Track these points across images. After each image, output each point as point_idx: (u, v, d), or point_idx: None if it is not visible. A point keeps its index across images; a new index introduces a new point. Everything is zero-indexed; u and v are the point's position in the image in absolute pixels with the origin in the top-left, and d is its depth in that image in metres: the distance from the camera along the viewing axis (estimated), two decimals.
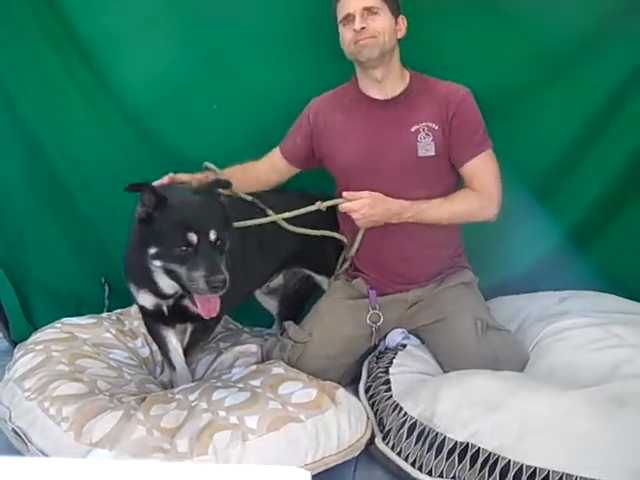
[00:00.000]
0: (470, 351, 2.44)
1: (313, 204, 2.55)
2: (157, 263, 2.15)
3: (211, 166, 2.58)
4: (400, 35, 2.53)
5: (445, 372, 2.48)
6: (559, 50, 2.70)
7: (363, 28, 2.43)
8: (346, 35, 2.49)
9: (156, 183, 2.33)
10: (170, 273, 2.15)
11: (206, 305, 2.14)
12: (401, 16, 2.52)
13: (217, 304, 2.15)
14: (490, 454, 1.98)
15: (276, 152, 2.72)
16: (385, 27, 2.45)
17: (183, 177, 2.45)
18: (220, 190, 2.33)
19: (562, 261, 2.92)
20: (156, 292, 2.28)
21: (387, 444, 2.19)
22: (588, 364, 2.32)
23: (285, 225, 2.55)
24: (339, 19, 2.51)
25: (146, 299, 2.35)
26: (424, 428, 2.12)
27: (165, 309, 2.36)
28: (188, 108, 2.87)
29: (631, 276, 2.86)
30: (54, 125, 2.96)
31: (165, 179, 2.40)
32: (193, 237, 2.08)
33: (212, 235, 2.11)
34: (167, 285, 2.24)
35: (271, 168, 2.72)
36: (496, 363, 2.39)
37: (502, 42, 2.69)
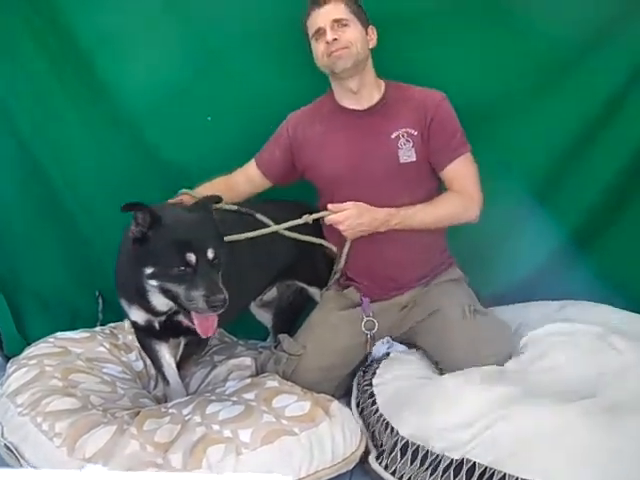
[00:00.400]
0: (457, 331, 2.47)
1: (302, 215, 2.55)
2: (153, 283, 2.13)
3: (186, 191, 2.56)
4: (371, 45, 2.56)
5: (436, 362, 2.50)
6: (558, 53, 2.71)
7: (335, 39, 2.46)
8: (318, 49, 2.52)
9: None
10: (166, 292, 2.13)
11: (204, 324, 2.12)
12: (371, 27, 2.56)
13: (215, 322, 2.13)
14: (486, 468, 1.97)
15: (252, 165, 2.72)
16: (357, 37, 2.49)
17: None
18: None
19: (561, 268, 2.92)
20: (148, 308, 2.27)
21: (381, 464, 2.17)
22: (584, 374, 2.32)
23: (282, 231, 2.54)
24: (310, 34, 2.54)
25: (137, 315, 2.33)
26: (418, 447, 2.10)
27: (157, 325, 2.34)
28: (181, 116, 2.87)
29: (632, 282, 2.86)
30: (47, 135, 2.95)
31: None
32: (192, 257, 2.06)
33: (210, 253, 2.09)
34: (161, 303, 2.22)
35: (246, 180, 2.72)
36: (483, 343, 2.43)
37: (501, 45, 2.70)
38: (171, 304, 2.18)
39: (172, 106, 2.87)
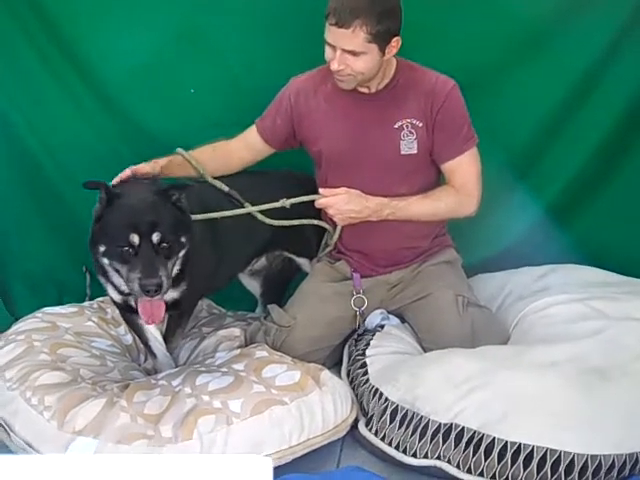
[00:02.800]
0: (450, 326, 2.45)
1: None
2: (105, 261, 2.14)
3: (181, 151, 2.51)
4: (388, 57, 2.36)
5: (425, 349, 2.50)
6: (538, 23, 2.71)
7: (340, 70, 2.33)
8: (326, 53, 2.35)
9: (116, 179, 2.29)
10: (117, 272, 2.14)
11: (147, 310, 2.14)
12: (396, 38, 2.31)
13: (160, 311, 2.15)
14: (475, 432, 2.00)
15: (252, 131, 2.63)
16: (366, 67, 2.32)
17: (145, 168, 2.37)
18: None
19: (543, 236, 2.94)
20: (115, 287, 2.28)
21: (370, 430, 2.19)
22: (570, 339, 2.34)
23: (261, 217, 2.50)
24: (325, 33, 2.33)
25: (112, 293, 2.34)
26: (406, 412, 2.13)
27: (133, 302, 2.32)
28: (165, 89, 2.85)
29: (611, 249, 2.90)
30: (27, 107, 2.92)
31: (126, 172, 2.31)
32: (135, 238, 2.06)
33: (155, 237, 2.08)
34: (120, 283, 2.22)
35: (246, 147, 2.64)
36: (475, 339, 2.42)
37: (480, 15, 2.68)
38: None
39: (155, 78, 2.85)
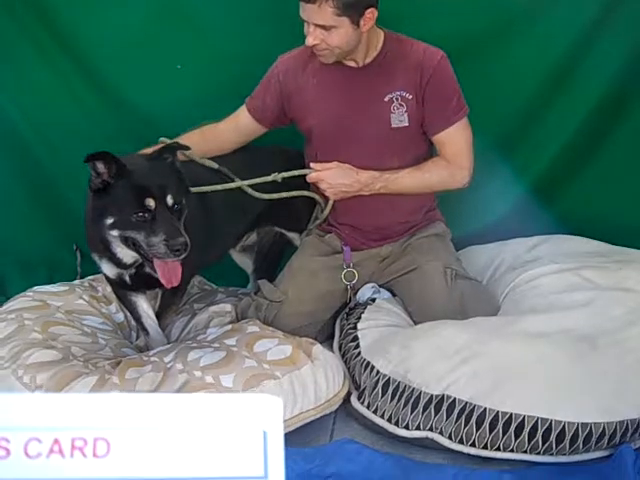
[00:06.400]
0: (439, 298, 2.46)
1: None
2: (114, 233, 2.12)
3: (165, 139, 2.47)
4: (365, 29, 2.32)
5: (415, 322, 2.50)
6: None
7: (316, 44, 2.32)
8: (304, 29, 2.34)
9: None
10: (128, 242, 2.12)
11: (166, 273, 2.13)
12: (370, 10, 2.28)
13: (178, 272, 2.14)
14: (466, 403, 2.01)
15: (243, 112, 2.61)
16: (342, 41, 2.31)
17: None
18: (181, 153, 2.31)
19: (533, 208, 2.95)
20: (116, 262, 2.26)
21: (362, 403, 2.20)
22: (560, 309, 2.35)
23: (251, 192, 2.50)
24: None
25: (108, 268, 2.33)
26: (398, 384, 2.13)
27: (127, 278, 2.33)
28: (150, 65, 2.82)
29: (600, 220, 2.91)
30: (14, 87, 2.89)
31: None
32: (151, 202, 2.06)
33: (169, 199, 2.09)
34: (125, 255, 2.21)
35: (236, 128, 2.62)
36: (465, 311, 2.42)
37: None
38: (136, 256, 2.18)
39: (142, 55, 2.82)
